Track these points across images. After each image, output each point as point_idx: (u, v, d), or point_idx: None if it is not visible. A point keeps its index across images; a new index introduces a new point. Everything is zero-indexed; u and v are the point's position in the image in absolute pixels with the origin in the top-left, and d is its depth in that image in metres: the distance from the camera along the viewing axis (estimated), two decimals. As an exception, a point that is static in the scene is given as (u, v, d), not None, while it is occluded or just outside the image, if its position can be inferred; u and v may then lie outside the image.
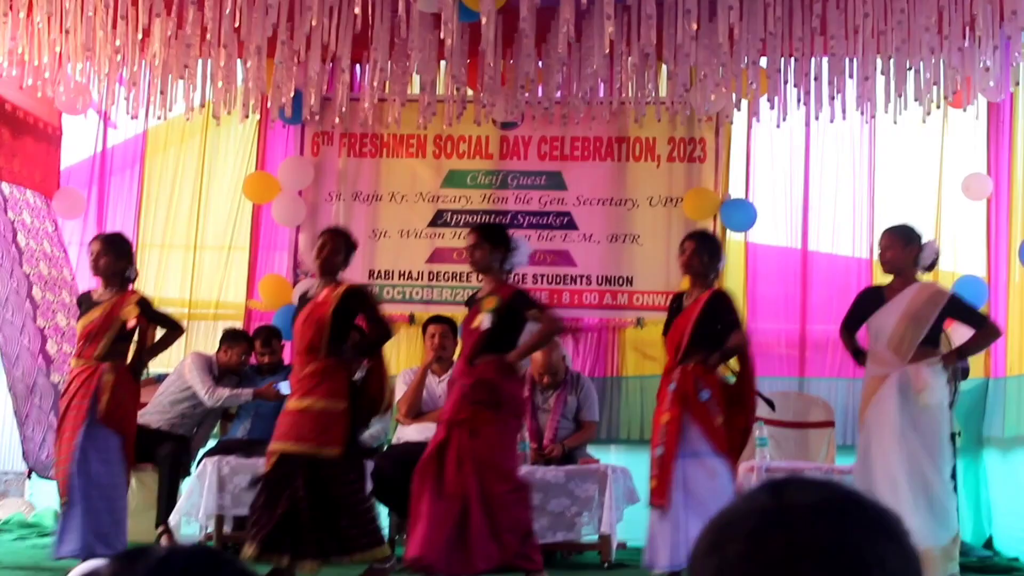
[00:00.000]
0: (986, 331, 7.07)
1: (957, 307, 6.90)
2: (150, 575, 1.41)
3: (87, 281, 8.94)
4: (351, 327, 6.86)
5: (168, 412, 8.36)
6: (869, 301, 7.06)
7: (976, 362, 8.91)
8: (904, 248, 6.89)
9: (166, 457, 8.27)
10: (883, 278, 7.22)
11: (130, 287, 7.24)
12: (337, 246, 6.86)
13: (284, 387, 8.22)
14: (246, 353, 8.83)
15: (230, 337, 8.91)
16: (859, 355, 7.10)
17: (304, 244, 10.04)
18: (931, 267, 7.07)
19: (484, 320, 6.59)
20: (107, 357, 7.03)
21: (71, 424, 6.91)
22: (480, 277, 7.12)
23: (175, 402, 8.43)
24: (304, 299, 6.96)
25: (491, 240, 6.79)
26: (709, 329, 6.88)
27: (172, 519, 8.00)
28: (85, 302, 7.23)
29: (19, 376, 8.90)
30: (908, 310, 6.76)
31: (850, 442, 8.94)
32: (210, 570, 1.44)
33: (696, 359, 6.83)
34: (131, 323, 7.08)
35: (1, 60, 8.21)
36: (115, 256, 7.16)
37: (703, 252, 7.06)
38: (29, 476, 9.36)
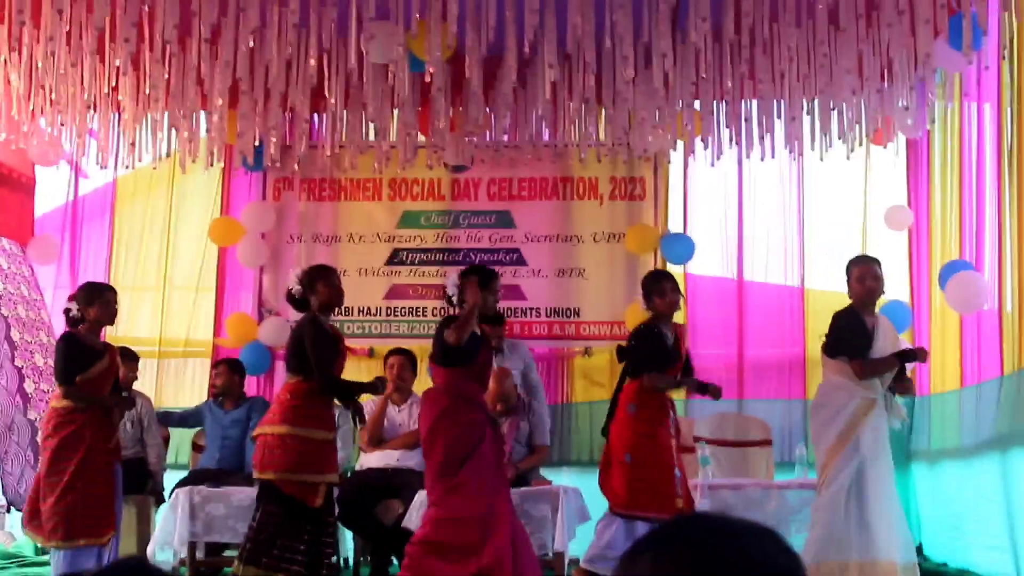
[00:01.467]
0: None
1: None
2: None
3: (60, 323, 9.28)
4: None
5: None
6: (862, 327, 7.10)
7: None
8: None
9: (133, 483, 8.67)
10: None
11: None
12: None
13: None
14: (132, 369, 9.03)
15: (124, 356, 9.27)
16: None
17: (268, 284, 10.43)
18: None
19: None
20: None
21: (103, 462, 7.16)
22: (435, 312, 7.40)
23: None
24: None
25: (479, 278, 7.05)
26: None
27: (148, 548, 8.32)
28: (88, 349, 7.28)
29: (-4, 415, 9.18)
30: (892, 338, 7.14)
31: (786, 459, 9.35)
32: None
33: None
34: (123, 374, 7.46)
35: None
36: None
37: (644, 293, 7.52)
38: (8, 511, 9.57)
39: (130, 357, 9.10)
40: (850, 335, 7.08)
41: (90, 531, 7.04)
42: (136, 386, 9.12)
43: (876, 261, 7.34)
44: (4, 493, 9.35)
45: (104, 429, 7.20)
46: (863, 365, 6.98)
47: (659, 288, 7.49)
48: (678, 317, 9.12)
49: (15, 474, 9.12)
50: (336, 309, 7.31)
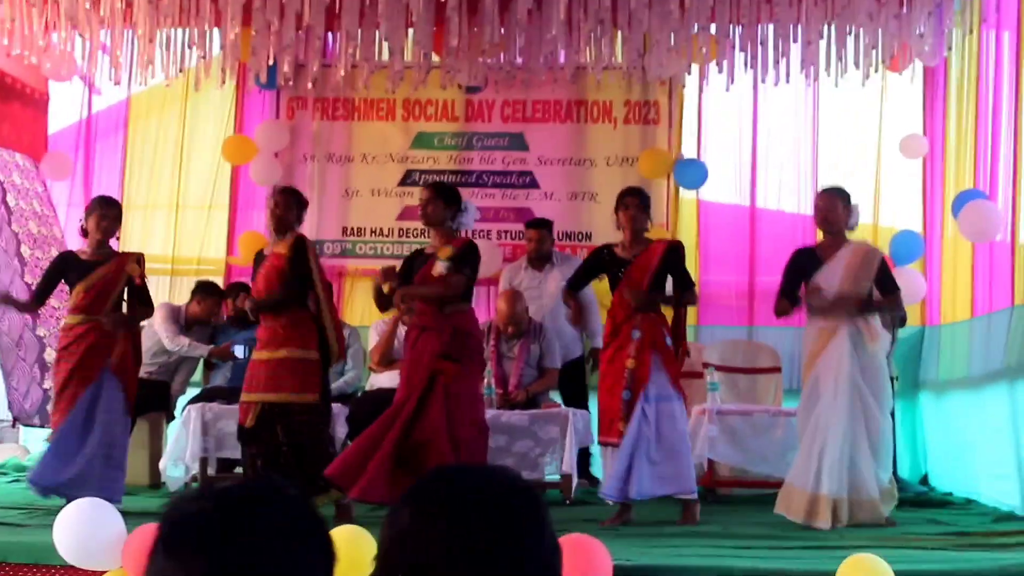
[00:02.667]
0: (894, 299, 7.38)
1: (883, 271, 7.15)
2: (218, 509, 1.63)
3: (75, 239, 9.33)
4: (307, 276, 7.03)
5: (146, 361, 8.77)
6: (805, 261, 7.23)
7: (913, 311, 9.38)
8: (843, 209, 7.15)
9: (152, 401, 8.80)
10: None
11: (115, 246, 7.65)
12: (288, 203, 7.12)
13: (238, 350, 8.67)
14: (216, 306, 9.27)
15: (202, 290, 9.33)
16: (795, 302, 7.28)
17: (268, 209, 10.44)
18: (853, 228, 7.32)
19: (441, 267, 6.89)
20: (110, 313, 7.36)
21: (80, 376, 7.19)
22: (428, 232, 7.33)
23: (151, 351, 8.85)
24: (260, 255, 7.24)
25: (444, 197, 7.05)
26: (664, 278, 7.22)
27: (160, 463, 8.45)
28: (75, 263, 7.43)
29: (5, 330, 9.20)
30: (849, 269, 7.05)
31: (795, 387, 9.34)
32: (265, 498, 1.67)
33: (656, 307, 7.18)
34: (138, 280, 7.40)
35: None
36: (117, 220, 7.52)
37: (645, 207, 7.36)
38: (14, 425, 9.67)
39: (215, 293, 9.28)
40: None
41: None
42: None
43: (825, 192, 7.36)
44: (10, 408, 9.44)
45: (101, 345, 7.25)
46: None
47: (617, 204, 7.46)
48: (691, 243, 9.20)
49: (20, 390, 9.22)
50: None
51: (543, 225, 9.32)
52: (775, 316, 7.52)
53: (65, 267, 7.49)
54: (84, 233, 7.50)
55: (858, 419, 6.91)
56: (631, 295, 7.09)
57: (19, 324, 9.29)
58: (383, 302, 7.19)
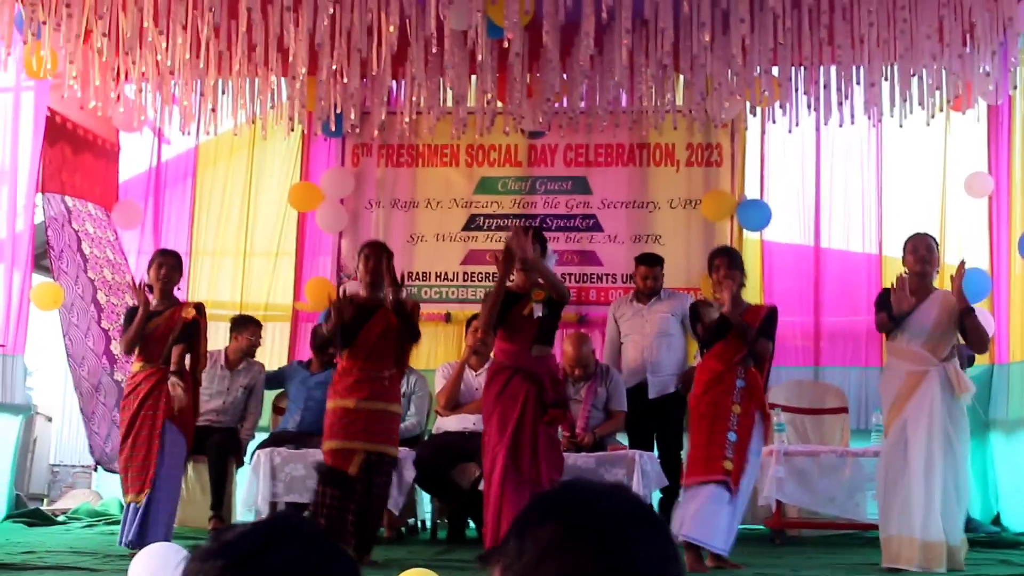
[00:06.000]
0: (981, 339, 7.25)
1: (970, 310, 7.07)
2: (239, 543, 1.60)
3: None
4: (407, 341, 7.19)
5: (207, 410, 8.92)
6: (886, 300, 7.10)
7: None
8: (936, 253, 7.16)
9: (216, 448, 8.90)
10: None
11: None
12: (380, 258, 7.18)
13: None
14: (253, 335, 9.40)
15: (235, 324, 9.48)
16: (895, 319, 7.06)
17: (346, 249, 10.56)
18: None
19: (536, 309, 6.92)
20: (168, 360, 7.47)
21: (150, 424, 7.29)
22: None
23: (209, 398, 8.99)
24: (354, 304, 7.16)
25: (539, 241, 7.11)
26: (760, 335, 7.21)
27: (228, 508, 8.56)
28: (139, 296, 7.47)
29: (85, 375, 9.38)
30: (943, 313, 6.96)
31: (862, 427, 9.37)
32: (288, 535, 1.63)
33: (752, 362, 7.14)
34: (189, 317, 7.49)
35: (66, 82, 8.67)
36: (176, 268, 7.64)
37: (736, 266, 7.31)
38: (95, 469, 9.81)
39: (249, 323, 9.37)
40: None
41: (134, 488, 7.26)
42: (218, 346, 9.30)
43: (926, 237, 7.28)
44: (92, 452, 9.59)
45: (160, 391, 7.35)
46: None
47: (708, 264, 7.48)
48: (755, 283, 9.15)
49: (101, 434, 9.37)
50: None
51: (655, 262, 9.21)
52: (877, 330, 7.46)
53: (132, 317, 7.57)
54: (150, 288, 7.63)
55: (949, 466, 6.82)
56: (741, 331, 7.08)
57: (97, 369, 9.46)
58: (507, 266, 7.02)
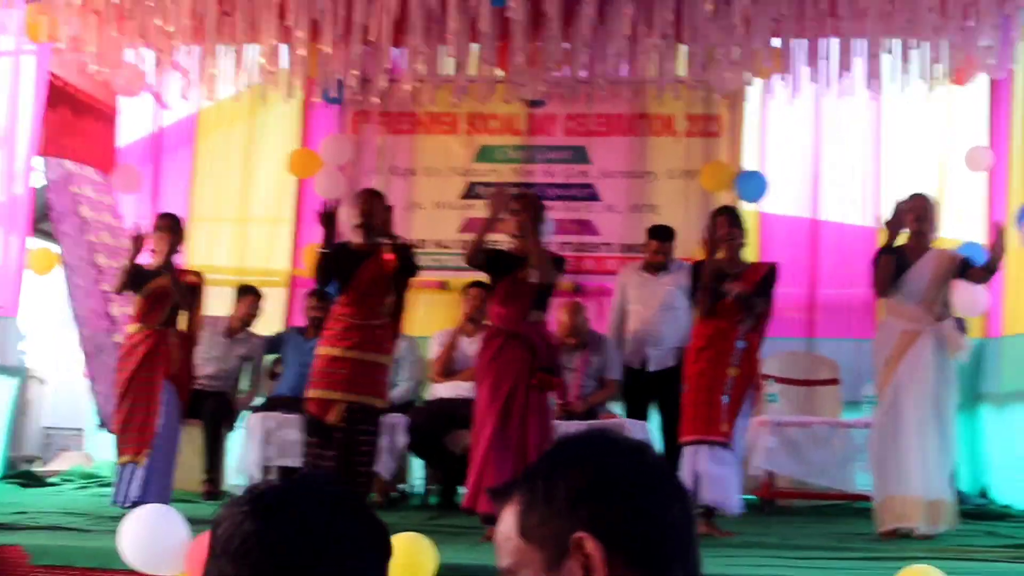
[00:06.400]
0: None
1: (967, 266, 7.12)
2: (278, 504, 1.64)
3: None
4: (403, 285, 7.28)
5: (203, 372, 8.97)
6: (894, 259, 7.17)
7: (974, 322, 9.28)
8: (935, 214, 7.23)
9: (210, 413, 8.95)
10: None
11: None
12: (371, 203, 7.25)
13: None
14: (252, 305, 9.47)
15: (238, 293, 9.55)
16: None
17: (345, 216, 10.54)
18: (936, 237, 7.33)
19: (533, 275, 6.90)
20: (168, 323, 7.55)
21: (148, 384, 7.38)
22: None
23: (203, 357, 9.01)
24: (347, 249, 7.23)
25: (536, 208, 7.12)
26: (763, 294, 7.28)
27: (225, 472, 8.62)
28: (138, 274, 7.63)
29: (88, 336, 9.41)
30: (937, 272, 7.05)
31: (855, 398, 9.38)
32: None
33: (751, 324, 7.20)
34: (190, 280, 7.58)
35: (64, 46, 8.69)
36: (174, 231, 7.67)
37: (737, 223, 7.39)
38: (101, 427, 9.85)
39: (249, 292, 9.43)
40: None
41: (130, 449, 7.35)
42: (217, 313, 9.33)
43: (921, 196, 7.31)
44: (99, 414, 9.68)
45: (156, 353, 7.38)
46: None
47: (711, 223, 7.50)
48: (752, 254, 9.15)
49: (104, 393, 9.39)
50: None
51: (667, 237, 9.09)
52: (876, 294, 7.52)
53: (130, 279, 7.65)
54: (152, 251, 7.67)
55: (937, 425, 6.91)
56: (740, 295, 7.12)
57: (99, 331, 9.48)
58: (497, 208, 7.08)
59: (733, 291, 7.14)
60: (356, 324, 7.02)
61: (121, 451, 7.46)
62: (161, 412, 7.38)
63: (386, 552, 1.70)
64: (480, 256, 7.00)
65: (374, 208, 7.19)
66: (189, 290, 7.58)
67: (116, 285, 7.74)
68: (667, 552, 1.56)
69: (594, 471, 1.57)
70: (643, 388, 8.87)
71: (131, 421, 7.37)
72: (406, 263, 7.13)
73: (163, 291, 7.49)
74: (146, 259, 7.72)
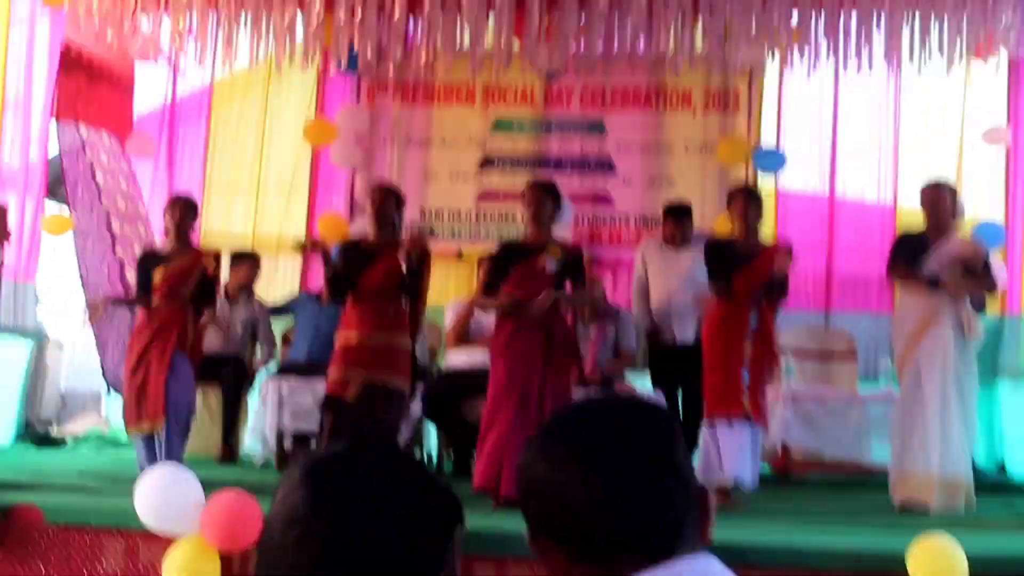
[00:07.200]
0: (991, 283, 7.29)
1: (986, 266, 7.12)
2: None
3: (159, 218, 9.51)
4: (417, 283, 7.21)
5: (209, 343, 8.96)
6: (914, 245, 7.21)
7: (993, 300, 9.24)
8: (949, 203, 7.19)
9: (229, 376, 8.97)
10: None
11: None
12: (386, 200, 7.21)
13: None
14: (251, 270, 9.44)
15: (233, 260, 9.51)
16: (932, 282, 7.08)
17: (360, 185, 10.55)
18: (960, 219, 7.34)
19: (549, 263, 6.91)
20: (186, 302, 7.51)
21: (159, 354, 7.34)
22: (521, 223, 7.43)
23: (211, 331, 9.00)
24: (359, 248, 7.25)
25: (551, 195, 7.08)
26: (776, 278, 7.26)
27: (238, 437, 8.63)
28: (153, 257, 7.67)
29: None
30: (960, 257, 7.04)
31: (871, 373, 9.39)
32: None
33: (768, 303, 7.22)
34: (210, 271, 7.58)
35: (81, 12, 8.67)
36: (188, 211, 7.69)
37: (755, 202, 7.41)
38: (109, 392, 9.85)
39: (247, 258, 9.42)
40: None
41: (134, 419, 7.31)
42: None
43: (936, 186, 7.31)
44: (104, 376, 9.67)
45: (169, 323, 7.38)
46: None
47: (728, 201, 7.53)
48: (769, 230, 9.12)
49: (115, 360, 9.38)
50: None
51: (682, 215, 8.94)
52: (889, 278, 7.63)
53: (147, 263, 7.67)
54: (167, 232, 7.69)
55: (960, 406, 6.93)
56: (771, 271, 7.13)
57: (114, 295, 9.44)
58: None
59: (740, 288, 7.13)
60: (373, 310, 7.07)
61: (133, 419, 7.42)
62: (174, 381, 7.36)
63: (453, 521, 1.64)
64: (491, 288, 7.07)
65: (389, 206, 7.16)
66: (210, 278, 7.59)
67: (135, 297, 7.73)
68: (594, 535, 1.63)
69: (525, 469, 1.71)
70: (668, 362, 8.83)
71: (147, 389, 7.34)
72: (419, 264, 7.10)
73: (181, 273, 7.49)
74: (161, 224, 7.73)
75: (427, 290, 7.29)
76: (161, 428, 7.26)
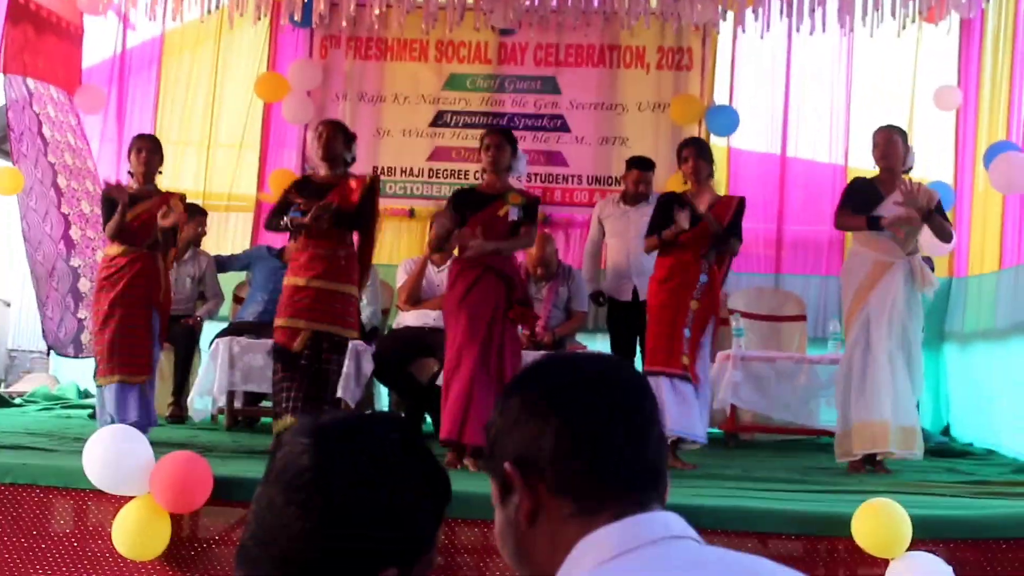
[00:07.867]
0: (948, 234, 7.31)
1: (939, 209, 7.10)
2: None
3: (107, 173, 9.42)
4: (370, 219, 7.06)
5: None
6: (865, 191, 7.17)
7: (940, 262, 9.34)
8: (902, 147, 7.16)
9: (181, 336, 8.89)
10: None
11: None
12: (333, 134, 7.08)
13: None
14: (200, 225, 9.35)
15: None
16: (873, 221, 7.03)
17: (311, 141, 10.45)
18: (908, 170, 7.28)
19: (512, 212, 6.88)
20: (154, 246, 7.34)
21: (138, 308, 7.16)
22: (482, 175, 7.25)
23: None
24: (311, 183, 7.13)
25: (511, 143, 7.06)
26: (732, 229, 7.28)
27: (189, 395, 8.57)
28: (120, 195, 7.30)
29: (40, 260, 9.23)
30: (912, 200, 6.95)
31: (820, 335, 9.46)
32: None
33: (716, 257, 7.24)
34: (177, 217, 7.32)
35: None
36: (156, 152, 7.52)
37: (704, 156, 7.41)
38: (48, 354, 9.76)
39: (196, 212, 9.25)
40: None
41: (126, 369, 7.16)
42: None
43: (887, 128, 7.30)
44: (45, 338, 9.54)
45: (145, 276, 7.27)
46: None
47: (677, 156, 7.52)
48: (720, 190, 9.14)
49: (55, 319, 9.28)
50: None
51: (648, 167, 9.04)
52: (837, 228, 7.66)
53: (110, 203, 7.36)
54: (131, 173, 7.53)
55: (905, 355, 6.97)
56: (712, 227, 7.13)
57: (52, 254, 9.34)
58: (440, 245, 7.17)
59: (682, 222, 7.11)
60: (320, 254, 6.93)
61: (106, 372, 7.25)
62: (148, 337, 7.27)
63: (444, 498, 1.69)
64: (450, 225, 6.98)
65: (335, 139, 7.07)
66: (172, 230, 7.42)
67: (108, 233, 7.51)
68: (602, 479, 1.61)
69: (511, 405, 1.66)
70: (626, 319, 8.86)
71: (126, 342, 7.19)
72: (371, 196, 7.01)
73: (148, 215, 7.35)
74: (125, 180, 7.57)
75: (376, 228, 7.16)
76: (143, 381, 7.15)
